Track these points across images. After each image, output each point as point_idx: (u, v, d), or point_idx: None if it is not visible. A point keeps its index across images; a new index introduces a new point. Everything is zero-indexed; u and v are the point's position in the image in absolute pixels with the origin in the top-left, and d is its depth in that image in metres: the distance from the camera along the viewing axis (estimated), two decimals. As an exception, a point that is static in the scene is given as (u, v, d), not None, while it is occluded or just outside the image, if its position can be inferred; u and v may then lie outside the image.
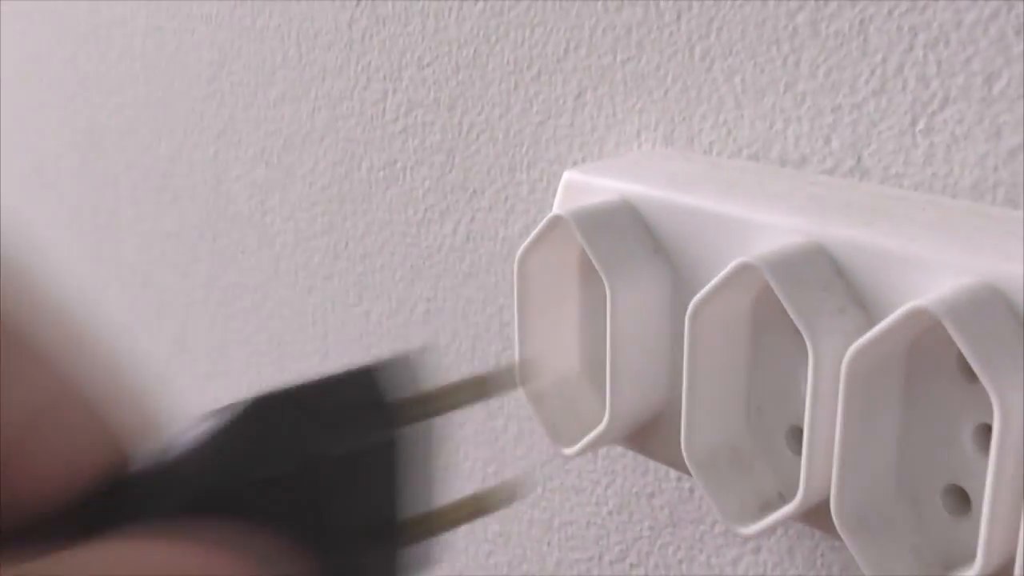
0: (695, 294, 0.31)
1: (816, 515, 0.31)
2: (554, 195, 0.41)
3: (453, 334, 0.48)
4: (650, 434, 0.35)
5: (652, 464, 0.41)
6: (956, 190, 0.31)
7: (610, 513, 0.44)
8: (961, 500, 0.29)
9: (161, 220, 0.65)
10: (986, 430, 0.28)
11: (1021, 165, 0.30)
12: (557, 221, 0.32)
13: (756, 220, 0.30)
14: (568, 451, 0.34)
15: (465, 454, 0.49)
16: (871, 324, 0.28)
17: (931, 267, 0.27)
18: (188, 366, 0.67)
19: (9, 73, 0.78)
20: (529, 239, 0.33)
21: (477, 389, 0.21)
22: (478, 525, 0.50)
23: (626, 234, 0.32)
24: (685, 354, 0.30)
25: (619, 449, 0.42)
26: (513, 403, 0.46)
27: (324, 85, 0.51)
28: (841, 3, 0.32)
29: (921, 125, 0.32)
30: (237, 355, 0.62)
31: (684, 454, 0.31)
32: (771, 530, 0.31)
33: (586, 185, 0.34)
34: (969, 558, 0.28)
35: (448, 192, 0.46)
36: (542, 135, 0.41)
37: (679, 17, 0.36)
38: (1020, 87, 0.30)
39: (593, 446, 0.34)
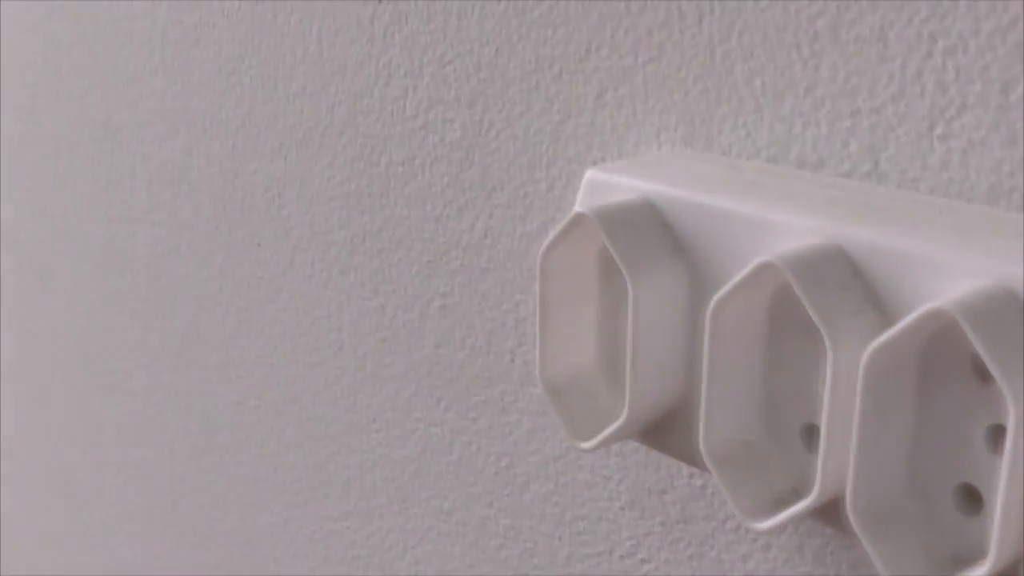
0: (713, 292, 0.31)
1: (828, 512, 0.31)
2: (573, 194, 0.42)
3: (468, 329, 0.48)
4: (666, 429, 0.35)
5: (664, 460, 0.42)
6: (972, 195, 0.32)
7: (622, 508, 0.44)
8: (973, 499, 0.29)
9: (177, 212, 0.66)
10: (998, 431, 0.28)
11: (1037, 171, 0.30)
12: (580, 219, 0.33)
13: (775, 220, 0.31)
14: (585, 445, 0.35)
15: (478, 448, 0.50)
16: (887, 325, 0.29)
17: (947, 269, 0.28)
18: (201, 357, 0.68)
19: (28, 64, 0.78)
20: (552, 235, 0.34)
21: None
22: (489, 519, 0.50)
23: (647, 232, 0.33)
24: (705, 350, 0.31)
25: (632, 445, 0.42)
26: (526, 398, 0.47)
27: (344, 80, 0.51)
28: (862, 8, 0.33)
29: (939, 130, 0.32)
30: (250, 347, 0.63)
31: (701, 449, 0.32)
32: (784, 526, 0.31)
33: (608, 184, 0.35)
34: (979, 556, 0.29)
35: (466, 188, 0.46)
36: (562, 134, 0.42)
37: (701, 19, 0.37)
38: (1037, 95, 0.30)
39: (610, 440, 0.35)
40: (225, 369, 0.66)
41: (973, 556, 0.29)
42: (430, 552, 0.54)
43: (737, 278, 0.29)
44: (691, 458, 0.35)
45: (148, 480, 0.78)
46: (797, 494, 0.32)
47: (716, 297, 0.30)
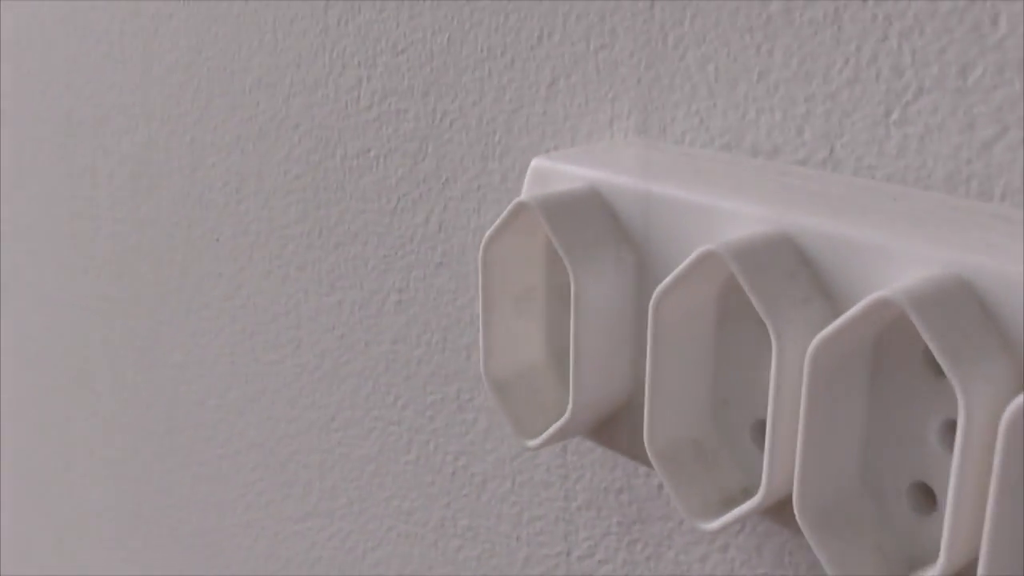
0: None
1: (781, 511, 0.30)
2: (526, 184, 0.41)
3: (424, 325, 0.47)
4: (615, 427, 0.34)
5: (621, 459, 0.40)
6: (929, 182, 0.31)
7: (579, 508, 0.43)
8: (927, 497, 0.28)
9: (138, 207, 0.65)
10: (952, 426, 0.27)
11: (994, 157, 0.29)
12: (522, 208, 0.31)
13: (723, 208, 0.30)
14: (531, 443, 0.34)
15: (436, 447, 0.48)
16: (837, 315, 0.27)
17: (898, 258, 0.27)
18: (163, 355, 0.66)
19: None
20: (494, 226, 0.32)
21: None
22: (447, 520, 0.49)
23: (592, 222, 0.32)
24: (648, 345, 0.30)
25: (588, 444, 0.41)
26: (483, 396, 0.45)
27: (299, 71, 0.50)
28: (815, -10, 0.32)
29: (895, 116, 0.31)
30: (211, 345, 0.62)
31: (647, 447, 0.31)
32: (734, 526, 0.30)
33: (554, 172, 0.33)
34: (934, 556, 0.28)
35: (421, 181, 0.45)
36: (514, 123, 0.41)
37: (652, 4, 0.36)
38: (994, 78, 0.29)
39: (556, 439, 0.33)
40: (187, 368, 0.65)
41: (928, 557, 0.28)
42: (390, 554, 0.53)
43: (679, 268, 0.28)
44: (641, 456, 0.34)
45: (113, 481, 0.77)
46: (748, 493, 0.31)
47: (658, 289, 0.29)
